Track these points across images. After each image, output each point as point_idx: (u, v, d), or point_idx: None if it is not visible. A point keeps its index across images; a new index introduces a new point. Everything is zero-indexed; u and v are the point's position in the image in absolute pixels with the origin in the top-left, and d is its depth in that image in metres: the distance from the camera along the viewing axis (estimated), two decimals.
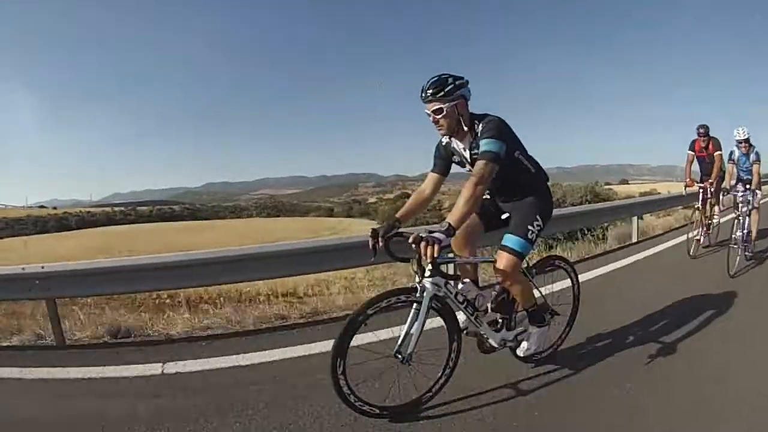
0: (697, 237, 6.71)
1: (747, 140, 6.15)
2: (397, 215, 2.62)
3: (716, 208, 7.05)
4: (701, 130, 6.70)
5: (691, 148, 6.92)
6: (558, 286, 3.17)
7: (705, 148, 6.76)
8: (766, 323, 3.81)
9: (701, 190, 6.68)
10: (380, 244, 2.47)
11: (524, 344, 2.93)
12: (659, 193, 13.00)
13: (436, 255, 2.14)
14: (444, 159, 2.79)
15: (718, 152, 6.65)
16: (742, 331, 3.62)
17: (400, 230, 2.53)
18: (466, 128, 2.59)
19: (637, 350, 3.30)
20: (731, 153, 6.45)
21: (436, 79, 2.53)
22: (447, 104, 2.51)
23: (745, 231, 5.78)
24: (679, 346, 3.33)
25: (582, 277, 3.67)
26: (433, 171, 2.82)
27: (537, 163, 2.86)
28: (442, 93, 2.50)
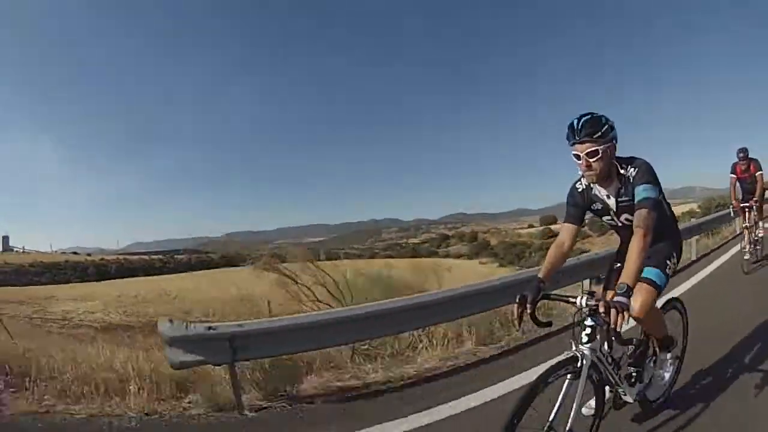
0: (747, 254, 6.98)
1: None
2: (540, 276, 2.37)
3: (761, 224, 7.36)
4: (741, 154, 7.17)
5: (733, 171, 7.34)
6: (670, 323, 3.00)
7: (746, 170, 7.18)
8: None
9: (747, 209, 7.09)
10: (528, 310, 2.23)
11: (657, 377, 2.86)
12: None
13: (627, 322, 2.00)
14: (580, 207, 2.60)
15: (760, 172, 7.09)
16: None
17: (547, 293, 2.32)
18: (618, 173, 2.43)
19: (738, 379, 3.27)
20: None
21: (589, 117, 2.33)
22: (602, 146, 2.31)
23: None
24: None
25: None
26: (567, 221, 2.62)
27: (668, 203, 2.77)
28: (599, 133, 2.29)
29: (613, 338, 2.22)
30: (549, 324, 2.43)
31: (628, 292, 2.06)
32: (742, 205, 7.18)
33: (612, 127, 2.34)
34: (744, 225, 7.14)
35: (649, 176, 2.35)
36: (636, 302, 2.33)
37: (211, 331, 3.47)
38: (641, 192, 2.31)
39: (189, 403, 3.72)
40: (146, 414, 3.56)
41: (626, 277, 2.12)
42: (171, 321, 3.50)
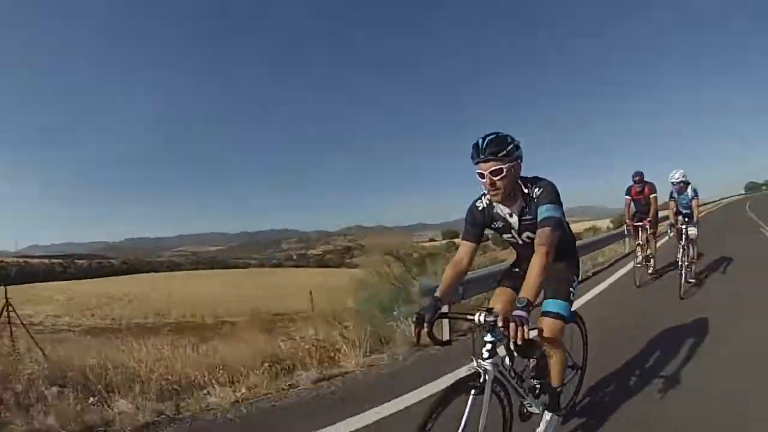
0: (639, 269, 7.58)
1: (683, 181, 7.15)
2: (437, 295, 2.35)
3: (652, 242, 8.04)
4: (636, 177, 7.79)
5: (628, 193, 7.97)
6: (571, 338, 3.09)
7: (641, 191, 7.80)
8: (723, 333, 4.58)
9: (640, 228, 7.73)
10: (425, 329, 2.19)
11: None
12: (603, 230, 14.47)
13: (527, 335, 1.95)
14: (479, 225, 2.58)
15: (654, 195, 7.72)
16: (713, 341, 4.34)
17: (444, 312, 2.34)
18: (522, 192, 2.43)
19: (634, 384, 3.55)
20: (671, 192, 7.45)
21: (494, 136, 2.30)
22: (507, 165, 2.29)
23: (690, 258, 6.77)
24: (672, 372, 3.67)
25: None
26: (466, 239, 2.58)
27: (568, 224, 2.80)
28: (504, 152, 2.27)
29: (513, 351, 2.17)
30: (448, 342, 2.43)
31: (528, 307, 2.06)
32: (636, 224, 7.81)
33: (517, 147, 2.34)
34: (637, 243, 7.78)
35: (553, 197, 2.37)
36: (544, 333, 2.47)
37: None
38: (545, 211, 2.33)
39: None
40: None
41: (526, 291, 2.13)
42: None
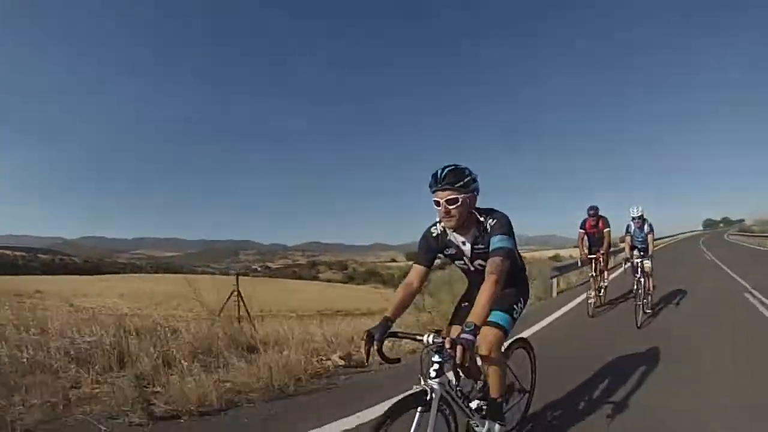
0: (592, 299, 7.76)
1: (641, 216, 7.52)
2: (388, 314, 2.42)
3: (605, 274, 8.35)
4: (591, 212, 8.05)
5: (582, 226, 8.24)
6: (519, 362, 3.23)
7: (595, 225, 8.07)
8: (678, 359, 4.86)
9: (594, 261, 7.98)
10: (375, 347, 2.27)
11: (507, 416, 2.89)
12: (568, 258, 15.31)
13: (473, 359, 2.04)
14: (433, 250, 2.69)
15: (608, 229, 8.01)
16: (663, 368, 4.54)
17: (394, 330, 2.39)
18: (475, 222, 2.56)
19: (583, 408, 3.64)
20: (628, 227, 7.79)
21: (453, 167, 2.45)
22: (462, 195, 2.43)
23: (645, 290, 7.05)
24: (619, 400, 3.76)
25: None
26: (418, 263, 2.68)
27: (520, 254, 2.98)
28: (461, 183, 2.42)
29: (459, 373, 2.30)
30: (397, 360, 2.47)
31: (475, 331, 2.11)
32: (590, 256, 8.06)
33: (474, 180, 2.49)
34: (591, 274, 8.03)
35: (506, 228, 2.48)
36: (483, 343, 2.52)
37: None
38: (497, 242, 2.44)
39: None
40: None
41: (474, 316, 2.18)
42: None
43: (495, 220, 2.51)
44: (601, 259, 7.99)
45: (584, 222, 8.25)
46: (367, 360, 2.37)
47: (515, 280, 2.81)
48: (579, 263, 9.00)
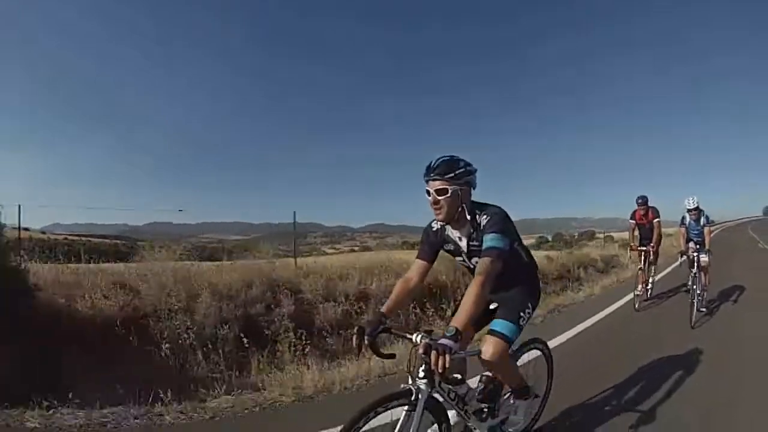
0: (639, 292, 7.55)
1: (696, 208, 7.14)
2: (383, 310, 2.39)
3: (653, 268, 8.02)
4: (640, 201, 7.70)
5: (632, 217, 7.90)
6: (532, 364, 3.11)
7: (644, 215, 7.74)
8: (732, 363, 4.51)
9: (643, 253, 7.69)
10: (366, 342, 2.22)
11: (513, 418, 2.86)
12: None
13: (447, 365, 1.92)
14: (433, 245, 2.63)
15: (657, 219, 7.66)
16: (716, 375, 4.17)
17: (388, 326, 2.33)
18: (467, 217, 2.46)
19: (617, 419, 3.36)
20: (683, 218, 7.42)
21: (447, 158, 2.38)
22: (453, 187, 2.36)
23: (701, 286, 6.68)
24: (658, 406, 3.52)
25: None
26: (420, 257, 2.62)
27: (528, 250, 2.84)
28: (452, 174, 2.35)
29: (434, 378, 2.15)
30: (392, 356, 2.47)
31: (456, 335, 2.02)
32: (639, 249, 7.74)
33: (469, 172, 2.40)
34: (639, 267, 7.73)
35: (499, 226, 2.36)
36: (486, 354, 2.44)
37: None
38: (488, 241, 2.33)
39: None
40: None
41: (457, 320, 2.11)
42: None
43: (488, 217, 2.41)
44: (650, 251, 7.66)
45: (633, 213, 7.93)
46: (358, 354, 2.39)
47: (520, 279, 2.72)
48: (629, 255, 8.62)
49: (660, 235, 7.78)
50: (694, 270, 6.62)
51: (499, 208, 2.47)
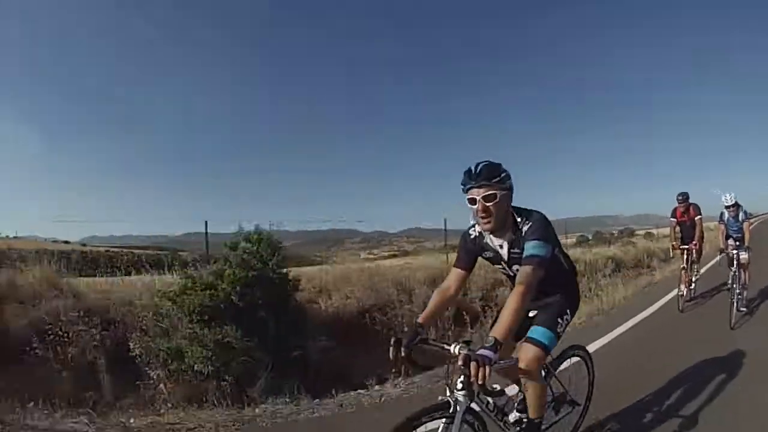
0: (683, 293, 7.36)
1: (735, 204, 6.92)
2: (419, 319, 2.33)
3: (695, 266, 7.76)
4: (680, 198, 7.48)
5: (673, 215, 7.70)
6: (572, 371, 3.05)
7: (685, 212, 7.54)
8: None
9: (686, 252, 7.46)
10: (402, 354, 2.17)
11: (556, 420, 2.79)
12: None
13: (488, 376, 1.87)
14: (472, 253, 2.55)
15: (699, 217, 7.44)
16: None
17: (425, 337, 2.27)
18: (512, 223, 2.37)
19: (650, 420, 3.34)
20: (721, 215, 7.21)
21: (487, 163, 2.27)
22: (501, 191, 2.25)
23: (741, 284, 6.45)
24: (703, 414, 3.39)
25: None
26: (457, 266, 2.55)
27: (568, 256, 2.78)
28: (498, 178, 2.23)
29: (474, 390, 2.08)
30: (430, 368, 2.50)
31: (495, 346, 1.96)
32: (681, 247, 7.53)
33: (509, 176, 2.30)
34: (681, 266, 7.53)
35: (541, 233, 2.27)
36: (522, 361, 2.39)
37: None
38: (530, 248, 2.23)
39: None
40: None
41: (496, 330, 2.05)
42: None
43: (531, 223, 2.31)
44: (693, 249, 7.43)
45: (674, 210, 7.72)
46: (395, 367, 2.37)
47: (559, 286, 2.65)
48: (671, 254, 8.37)
49: (702, 233, 7.54)
50: (734, 268, 6.39)
51: (540, 213, 2.38)
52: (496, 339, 2.00)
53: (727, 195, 6.95)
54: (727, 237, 7.17)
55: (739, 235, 7.05)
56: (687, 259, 7.47)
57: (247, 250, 7.15)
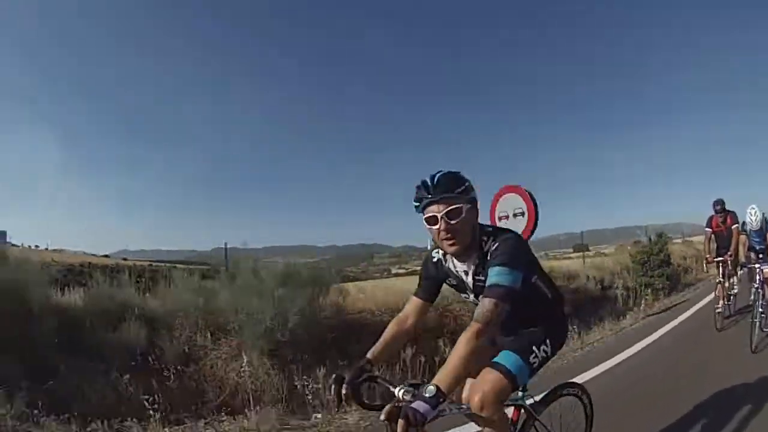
0: (720, 310, 6.66)
1: (763, 217, 6.28)
2: (369, 356, 1.94)
3: (734, 279, 7.12)
4: (718, 207, 6.90)
5: (709, 224, 7.11)
6: (563, 414, 2.44)
7: (723, 222, 6.93)
8: None
9: (722, 265, 6.77)
10: (344, 391, 1.79)
11: None
12: None
13: None
14: (434, 280, 2.12)
15: (736, 225, 6.78)
16: None
17: (372, 375, 1.91)
18: (478, 244, 1.93)
19: None
20: (743, 224, 6.57)
21: (446, 172, 1.86)
22: (466, 204, 1.84)
23: (765, 301, 5.58)
24: None
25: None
26: (417, 295, 2.13)
27: (553, 282, 2.27)
28: (461, 188, 1.83)
29: None
30: (379, 407, 1.67)
31: (436, 398, 1.48)
32: (716, 260, 6.87)
33: (472, 187, 1.89)
34: (718, 280, 6.83)
35: (508, 257, 1.78)
36: (475, 393, 1.90)
37: None
38: (493, 276, 1.75)
39: None
40: None
41: (440, 377, 1.56)
42: None
43: (497, 244, 1.84)
44: (728, 261, 6.75)
45: (710, 219, 7.13)
46: (339, 406, 2.06)
47: (540, 318, 2.16)
48: (705, 269, 7.74)
49: (738, 243, 6.79)
50: (756, 284, 5.65)
51: (513, 232, 1.94)
52: (438, 388, 1.51)
53: (752, 208, 6.34)
54: (749, 249, 6.56)
55: (763, 246, 6.40)
56: (723, 271, 6.80)
57: None
